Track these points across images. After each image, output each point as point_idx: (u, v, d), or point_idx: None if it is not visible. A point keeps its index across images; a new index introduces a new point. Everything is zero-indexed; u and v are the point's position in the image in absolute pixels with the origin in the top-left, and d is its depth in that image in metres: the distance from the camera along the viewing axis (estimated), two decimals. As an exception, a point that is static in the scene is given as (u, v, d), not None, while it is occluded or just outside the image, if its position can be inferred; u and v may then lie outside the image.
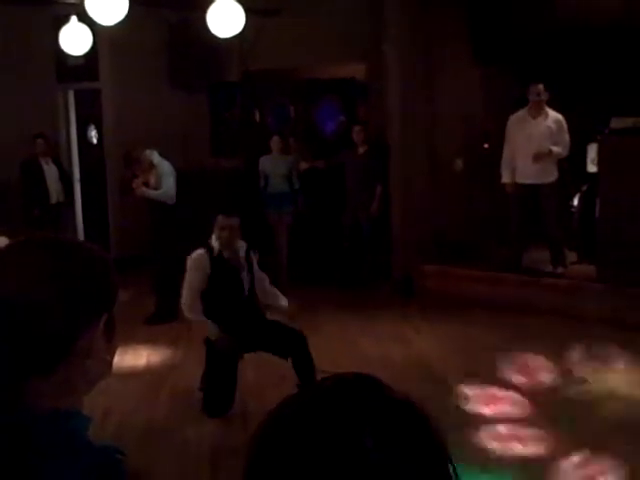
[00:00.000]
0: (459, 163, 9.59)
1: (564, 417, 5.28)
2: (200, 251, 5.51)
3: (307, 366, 5.41)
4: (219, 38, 7.44)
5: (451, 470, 0.88)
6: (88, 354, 1.24)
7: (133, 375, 6.39)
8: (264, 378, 6.03)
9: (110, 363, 1.31)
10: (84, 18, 7.43)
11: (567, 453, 4.68)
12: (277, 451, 0.86)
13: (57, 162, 10.07)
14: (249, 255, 5.65)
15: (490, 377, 6.03)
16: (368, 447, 0.83)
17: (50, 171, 9.82)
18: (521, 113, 8.27)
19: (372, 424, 0.86)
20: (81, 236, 11.31)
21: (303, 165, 9.50)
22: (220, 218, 5.47)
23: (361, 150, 9.05)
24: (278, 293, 5.78)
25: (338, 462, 0.83)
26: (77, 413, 1.24)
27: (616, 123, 7.81)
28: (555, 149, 8.01)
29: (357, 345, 7.04)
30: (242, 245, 5.62)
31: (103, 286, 1.29)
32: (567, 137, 8.11)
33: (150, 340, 7.31)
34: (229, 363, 5.49)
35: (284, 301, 5.77)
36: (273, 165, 9.19)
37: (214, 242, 5.51)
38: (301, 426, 0.87)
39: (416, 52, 9.17)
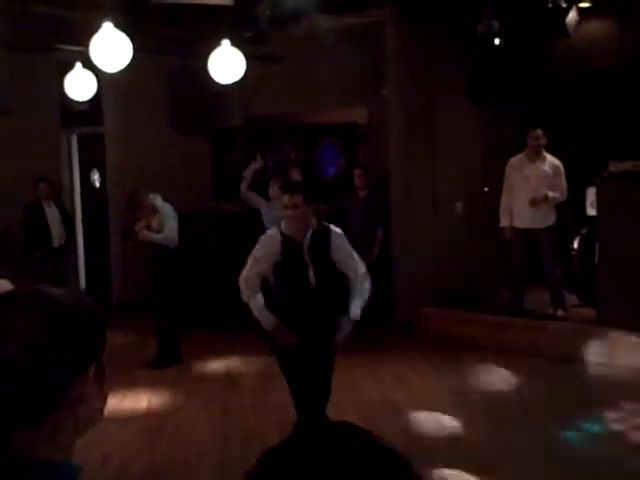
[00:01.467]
0: (459, 207, 9.65)
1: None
2: (274, 230, 4.96)
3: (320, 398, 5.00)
4: (221, 84, 7.55)
5: None
6: (78, 403, 1.25)
7: (133, 419, 6.37)
8: (266, 423, 6.02)
9: (101, 410, 1.31)
10: (89, 65, 7.55)
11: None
12: None
13: (60, 205, 10.14)
14: (323, 239, 4.88)
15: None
16: None
17: (52, 214, 9.89)
18: (519, 157, 8.34)
19: (357, 474, 0.88)
20: (83, 279, 11.34)
21: None
22: (283, 197, 4.87)
23: (362, 194, 9.09)
24: (357, 295, 4.93)
25: None
26: (68, 463, 1.25)
27: (614, 167, 7.87)
28: (551, 194, 8.06)
29: (359, 388, 7.02)
30: (314, 227, 4.90)
31: (91, 336, 1.28)
32: (564, 182, 8.17)
33: (151, 384, 7.30)
34: (298, 359, 4.92)
35: (355, 309, 4.92)
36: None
37: (282, 225, 4.93)
38: (287, 475, 0.89)
39: (416, 96, 9.28)
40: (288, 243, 4.82)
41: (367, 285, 4.93)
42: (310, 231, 4.83)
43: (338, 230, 4.95)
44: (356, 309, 4.87)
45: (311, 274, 4.81)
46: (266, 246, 4.89)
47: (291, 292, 4.90)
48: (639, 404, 6.36)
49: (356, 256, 4.98)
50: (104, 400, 1.33)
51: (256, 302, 4.89)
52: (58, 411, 1.22)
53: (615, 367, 7.29)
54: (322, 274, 4.85)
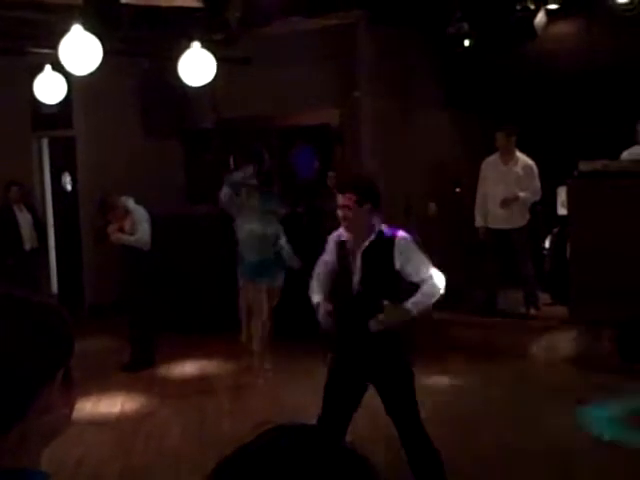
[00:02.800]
0: (432, 207, 9.70)
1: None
2: (335, 233, 4.66)
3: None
4: (192, 86, 7.53)
5: None
6: (45, 410, 1.22)
7: (108, 423, 6.34)
8: (241, 426, 6.01)
9: (68, 416, 1.29)
10: (58, 67, 7.50)
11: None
12: None
13: (31, 209, 10.05)
14: (385, 247, 4.38)
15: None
16: None
17: (24, 218, 9.80)
18: (493, 158, 8.42)
19: (320, 475, 0.89)
20: (55, 283, 11.25)
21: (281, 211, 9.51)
22: (338, 197, 4.50)
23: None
24: (419, 292, 4.37)
25: None
26: (35, 471, 1.23)
27: (585, 166, 7.97)
28: (522, 194, 8.14)
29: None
30: (374, 231, 4.40)
31: (58, 341, 1.26)
32: (537, 182, 8.25)
33: (125, 387, 7.25)
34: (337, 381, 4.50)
35: (409, 301, 4.35)
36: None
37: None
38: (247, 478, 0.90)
39: (388, 98, 9.32)
40: (341, 247, 4.52)
41: (436, 285, 4.36)
42: (371, 237, 4.37)
43: (406, 236, 4.44)
44: (411, 302, 4.29)
45: (356, 281, 4.38)
46: (326, 248, 4.70)
47: (336, 299, 4.59)
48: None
49: (427, 263, 4.43)
50: (72, 407, 1.30)
51: (312, 299, 4.60)
52: (24, 418, 1.19)
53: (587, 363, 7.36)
54: (372, 285, 4.36)
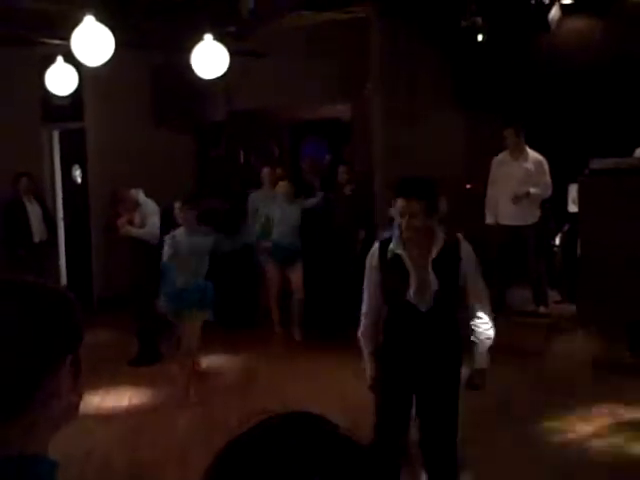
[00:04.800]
0: (442, 203, 9.64)
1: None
2: (375, 245, 4.07)
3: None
4: (204, 79, 7.50)
5: None
6: (53, 397, 1.22)
7: (115, 416, 6.34)
8: (248, 420, 5.99)
9: (77, 404, 1.28)
10: (70, 59, 7.49)
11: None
12: None
13: (41, 201, 10.05)
14: (452, 253, 3.94)
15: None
16: None
17: (33, 210, 9.80)
18: (503, 155, 8.37)
19: (318, 462, 0.89)
20: (64, 275, 11.26)
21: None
22: (399, 202, 3.89)
23: (347, 191, 9.07)
24: (483, 331, 4.05)
25: None
26: (43, 458, 1.22)
27: (596, 164, 7.91)
28: (533, 190, 8.09)
29: (340, 385, 6.98)
30: (439, 241, 3.92)
31: (66, 327, 1.26)
32: (548, 178, 8.20)
33: (132, 381, 7.25)
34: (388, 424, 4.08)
35: (481, 355, 4.08)
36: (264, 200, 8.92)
37: (393, 240, 3.96)
38: (249, 466, 0.90)
39: (399, 93, 9.28)
40: (397, 262, 3.92)
41: (491, 328, 4.06)
42: (438, 244, 3.91)
43: (467, 244, 4.05)
44: (482, 357, 4.06)
45: (428, 298, 3.89)
46: (368, 267, 4.07)
47: (396, 320, 4.04)
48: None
49: (482, 281, 4.12)
50: (80, 395, 1.30)
51: (363, 347, 4.16)
52: (33, 404, 1.19)
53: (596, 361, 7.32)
54: (446, 299, 3.94)
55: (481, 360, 4.05)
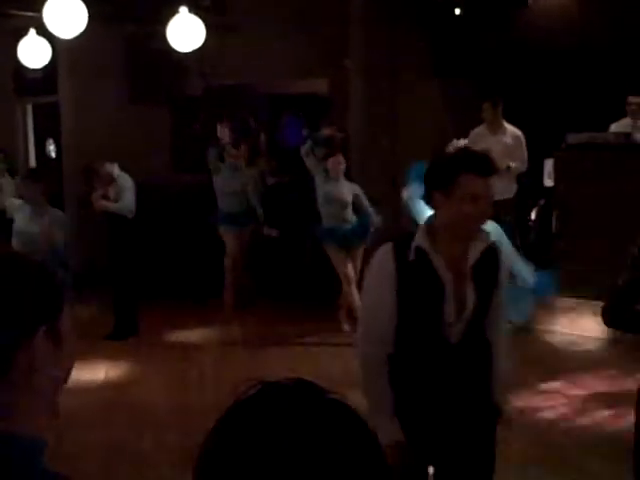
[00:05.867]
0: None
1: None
2: (386, 247, 2.84)
3: None
4: (180, 52, 7.44)
5: (386, 469, 0.94)
6: (31, 371, 1.18)
7: (91, 391, 6.31)
8: (225, 394, 6.01)
9: (61, 380, 1.26)
10: (43, 31, 7.38)
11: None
12: (225, 453, 0.92)
13: (14, 176, 9.94)
14: (490, 255, 2.85)
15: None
16: (306, 447, 0.89)
17: (7, 185, 9.69)
18: (480, 129, 8.38)
19: (311, 427, 0.91)
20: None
21: (270, 180, 9.45)
22: (466, 179, 2.70)
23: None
24: (498, 373, 2.94)
25: (282, 464, 0.88)
26: (32, 437, 1.18)
27: (572, 138, 7.95)
28: (514, 165, 8.12)
29: (321, 365, 6.99)
30: (483, 240, 2.84)
31: (39, 295, 1.22)
32: (525, 152, 8.23)
33: (108, 355, 7.23)
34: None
35: (504, 399, 3.05)
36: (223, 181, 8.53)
37: (419, 234, 2.79)
38: (246, 433, 0.92)
39: (377, 66, 9.25)
40: (425, 266, 2.77)
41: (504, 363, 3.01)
42: (481, 243, 2.85)
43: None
44: (505, 398, 3.10)
45: (467, 314, 2.80)
46: (378, 276, 2.85)
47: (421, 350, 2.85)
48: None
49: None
50: (66, 370, 1.26)
51: (373, 415, 2.71)
52: (9, 378, 1.16)
53: (572, 336, 7.40)
54: (482, 317, 2.86)
55: (508, 409, 3.13)
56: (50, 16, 6.31)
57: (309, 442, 0.89)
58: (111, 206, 7.69)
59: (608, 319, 3.26)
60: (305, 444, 0.89)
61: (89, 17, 6.33)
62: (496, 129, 8.27)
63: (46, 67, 8.68)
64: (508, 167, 8.06)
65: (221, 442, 0.93)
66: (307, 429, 0.90)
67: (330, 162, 7.58)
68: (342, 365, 6.81)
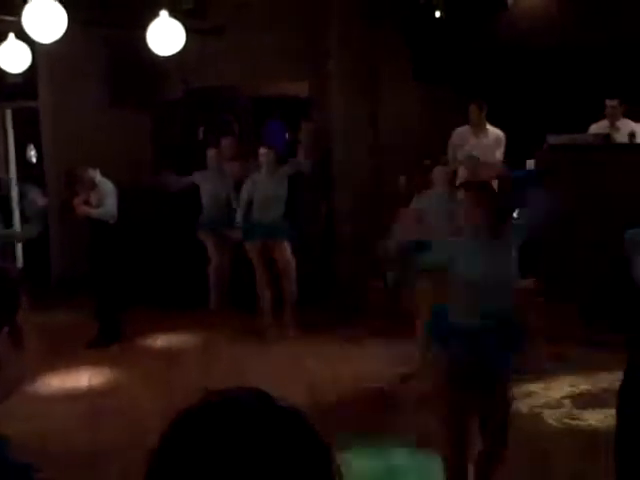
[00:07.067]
0: (402, 180, 9.68)
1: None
2: None
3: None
4: (160, 56, 7.41)
5: (335, 473, 0.94)
6: None
7: (75, 398, 6.28)
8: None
9: (19, 379, 1.26)
10: (23, 36, 7.33)
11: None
12: (173, 461, 0.95)
13: (-5, 182, 9.89)
14: None
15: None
16: (257, 454, 0.90)
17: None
18: (463, 130, 8.45)
19: (262, 435, 0.92)
20: (20, 257, 11.09)
21: None
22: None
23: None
24: None
25: (230, 471, 0.89)
26: None
27: (553, 139, 8.01)
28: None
29: (306, 366, 6.97)
30: None
31: (2, 297, 1.23)
32: (501, 152, 8.35)
33: (92, 362, 7.19)
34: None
35: None
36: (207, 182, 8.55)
37: None
38: (194, 441, 0.94)
39: (358, 69, 9.26)
40: None
41: None
42: None
43: None
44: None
45: None
46: None
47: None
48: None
49: None
50: (26, 370, 1.27)
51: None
52: None
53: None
54: None
55: None
56: (29, 20, 6.26)
57: (253, 450, 0.90)
58: (93, 212, 7.66)
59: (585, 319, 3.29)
60: (249, 452, 0.90)
61: (69, 21, 6.29)
62: (479, 131, 8.35)
63: (26, 72, 8.61)
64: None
65: (167, 451, 0.96)
66: (253, 438, 0.91)
67: None
68: (330, 371, 6.80)
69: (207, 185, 8.46)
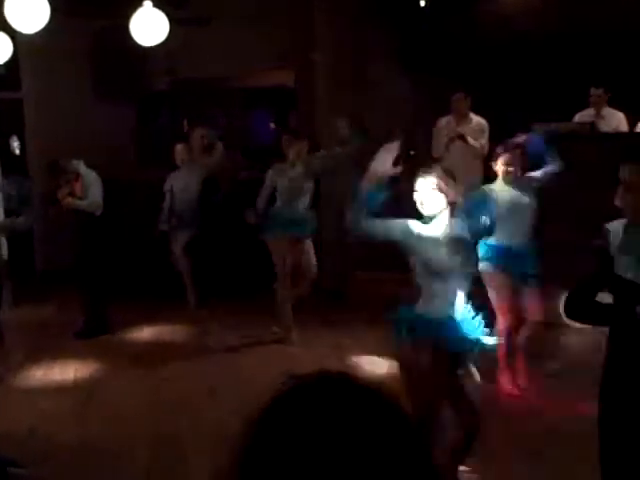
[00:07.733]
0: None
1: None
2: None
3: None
4: (145, 47, 7.37)
5: (429, 460, 0.96)
6: None
7: (61, 390, 6.25)
8: (197, 391, 5.98)
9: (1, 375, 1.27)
10: (4, 26, 7.27)
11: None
12: (268, 450, 0.94)
13: (-22, 174, 9.80)
14: None
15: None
16: (347, 437, 0.91)
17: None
18: (446, 119, 8.46)
19: (350, 417, 0.94)
20: (5, 249, 11.01)
21: (242, 174, 9.40)
22: (628, 169, 2.87)
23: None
24: None
25: (327, 455, 0.90)
26: None
27: (537, 128, 8.03)
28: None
29: (293, 357, 6.97)
30: None
31: None
32: (484, 140, 8.38)
33: (78, 354, 7.15)
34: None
35: None
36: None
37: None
38: (291, 424, 0.94)
39: (344, 59, 9.24)
40: None
41: None
42: None
43: None
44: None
45: None
46: None
47: None
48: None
49: None
50: (6, 367, 1.27)
51: None
52: None
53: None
54: None
55: None
56: (11, 10, 6.21)
57: (349, 432, 0.91)
58: (79, 203, 7.61)
59: (569, 310, 3.28)
60: (345, 434, 0.91)
61: (51, 11, 6.24)
62: (462, 121, 8.37)
63: (9, 62, 8.53)
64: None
65: (262, 440, 0.95)
66: (345, 419, 0.93)
67: None
68: (318, 361, 6.80)
69: (179, 184, 8.20)
